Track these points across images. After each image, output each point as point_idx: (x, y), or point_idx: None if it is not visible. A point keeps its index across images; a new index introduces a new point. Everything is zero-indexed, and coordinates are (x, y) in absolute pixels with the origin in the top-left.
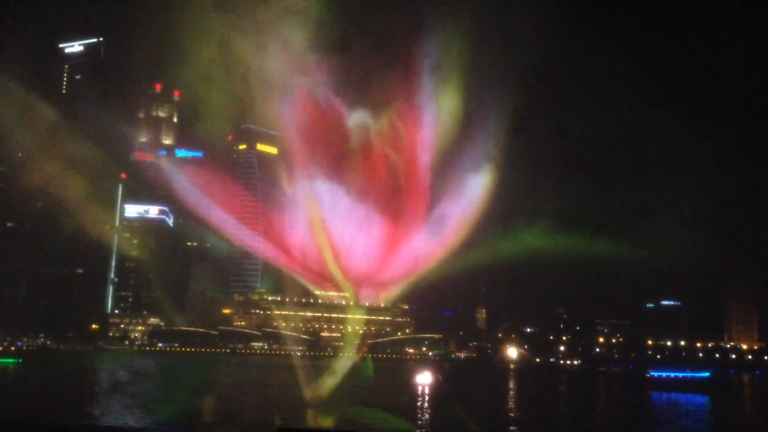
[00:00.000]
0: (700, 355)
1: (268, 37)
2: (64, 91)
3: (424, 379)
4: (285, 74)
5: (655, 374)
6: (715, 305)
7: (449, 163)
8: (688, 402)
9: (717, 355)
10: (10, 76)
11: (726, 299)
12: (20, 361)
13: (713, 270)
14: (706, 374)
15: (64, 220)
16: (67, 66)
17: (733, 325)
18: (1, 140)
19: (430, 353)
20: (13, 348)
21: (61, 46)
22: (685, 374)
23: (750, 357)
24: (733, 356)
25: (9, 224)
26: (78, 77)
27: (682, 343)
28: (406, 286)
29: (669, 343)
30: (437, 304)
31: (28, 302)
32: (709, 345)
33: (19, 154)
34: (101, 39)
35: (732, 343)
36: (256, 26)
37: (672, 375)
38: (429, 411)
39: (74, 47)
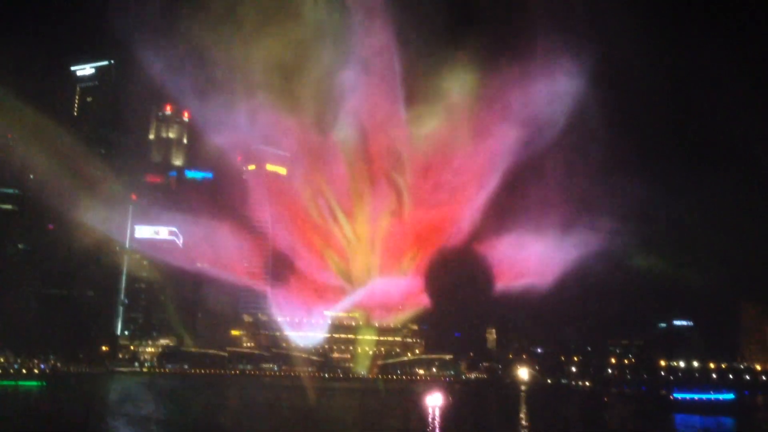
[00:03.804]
0: (714, 376)
1: (278, 57)
2: (75, 114)
3: (434, 401)
4: (299, 94)
5: (679, 396)
6: (728, 325)
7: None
8: (714, 426)
9: (731, 376)
10: (23, 99)
11: (739, 319)
12: (44, 384)
13: (726, 289)
14: (731, 396)
15: (75, 242)
16: (78, 88)
17: (746, 346)
18: (13, 162)
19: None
20: (36, 371)
21: (72, 68)
22: (709, 396)
23: (765, 378)
24: (747, 377)
25: (20, 246)
26: (89, 99)
27: (696, 363)
28: (417, 307)
29: (682, 364)
30: (447, 324)
31: (38, 324)
32: (723, 366)
33: (31, 176)
34: (112, 62)
35: (746, 364)
36: (266, 47)
37: (696, 397)
38: None
39: (86, 70)
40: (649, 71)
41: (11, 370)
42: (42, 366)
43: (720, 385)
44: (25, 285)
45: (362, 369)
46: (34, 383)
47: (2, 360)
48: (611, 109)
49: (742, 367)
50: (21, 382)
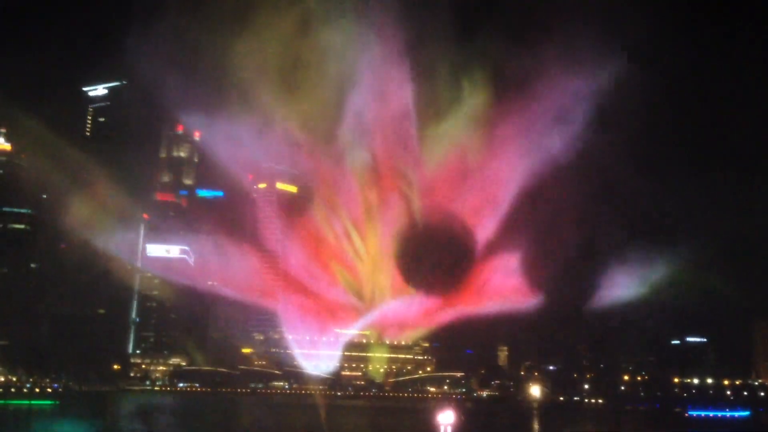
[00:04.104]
0: (728, 393)
1: (289, 76)
2: (87, 134)
3: (446, 419)
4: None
5: (694, 413)
6: (742, 341)
7: None
8: None
9: (745, 393)
10: (35, 119)
11: (753, 335)
12: (57, 403)
13: (739, 305)
14: (746, 413)
15: (87, 261)
16: (91, 109)
17: (760, 362)
18: (26, 182)
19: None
20: (49, 390)
21: (85, 89)
22: (724, 413)
23: None
24: (762, 394)
25: (33, 265)
26: (102, 119)
27: (709, 380)
28: (428, 325)
29: (696, 381)
30: (458, 341)
31: (50, 343)
32: (737, 383)
33: (44, 196)
34: (124, 82)
35: (760, 381)
36: (277, 66)
37: (711, 414)
38: None
39: (98, 90)
40: (669, 79)
41: (24, 389)
42: (55, 385)
43: (734, 402)
44: (38, 304)
45: (374, 387)
46: (47, 402)
47: (15, 379)
48: (628, 124)
49: (756, 383)
50: (34, 402)
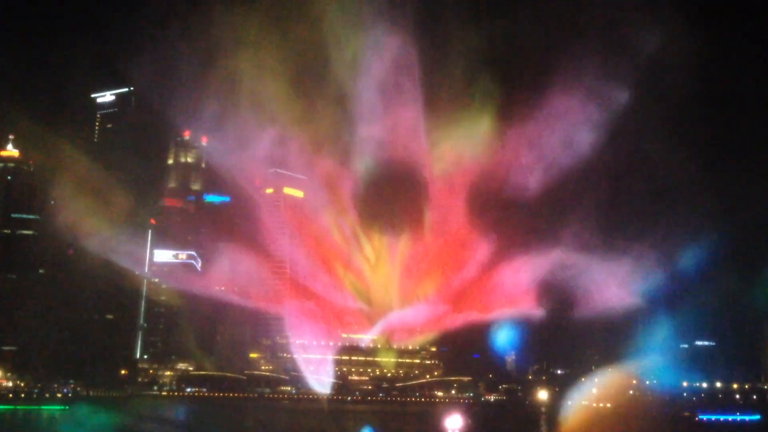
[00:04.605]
0: (737, 396)
1: (296, 82)
2: (95, 140)
3: (454, 424)
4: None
5: (704, 417)
6: (751, 345)
7: None
8: None
9: (754, 397)
10: (43, 126)
11: (762, 339)
12: (66, 408)
13: (748, 309)
14: (757, 417)
15: (95, 267)
16: (99, 115)
17: None
18: (34, 188)
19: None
20: (59, 395)
21: (93, 96)
22: (735, 417)
23: None
24: None
25: (41, 271)
26: (109, 126)
27: (718, 384)
28: (436, 329)
29: (704, 385)
30: (466, 346)
31: (59, 348)
32: (746, 386)
33: (52, 202)
34: (132, 89)
35: None
36: (284, 71)
37: (722, 418)
38: None
39: (106, 97)
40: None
41: (33, 394)
42: (64, 390)
43: (744, 406)
44: (46, 309)
45: (381, 391)
46: (56, 407)
47: (24, 384)
48: (645, 135)
49: (766, 387)
50: (44, 406)
